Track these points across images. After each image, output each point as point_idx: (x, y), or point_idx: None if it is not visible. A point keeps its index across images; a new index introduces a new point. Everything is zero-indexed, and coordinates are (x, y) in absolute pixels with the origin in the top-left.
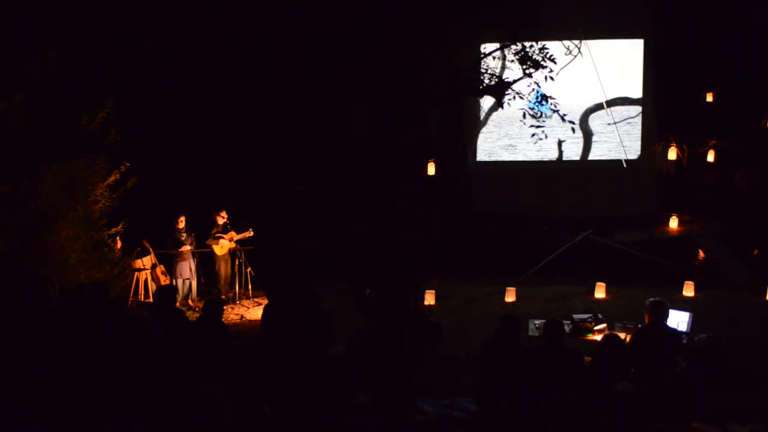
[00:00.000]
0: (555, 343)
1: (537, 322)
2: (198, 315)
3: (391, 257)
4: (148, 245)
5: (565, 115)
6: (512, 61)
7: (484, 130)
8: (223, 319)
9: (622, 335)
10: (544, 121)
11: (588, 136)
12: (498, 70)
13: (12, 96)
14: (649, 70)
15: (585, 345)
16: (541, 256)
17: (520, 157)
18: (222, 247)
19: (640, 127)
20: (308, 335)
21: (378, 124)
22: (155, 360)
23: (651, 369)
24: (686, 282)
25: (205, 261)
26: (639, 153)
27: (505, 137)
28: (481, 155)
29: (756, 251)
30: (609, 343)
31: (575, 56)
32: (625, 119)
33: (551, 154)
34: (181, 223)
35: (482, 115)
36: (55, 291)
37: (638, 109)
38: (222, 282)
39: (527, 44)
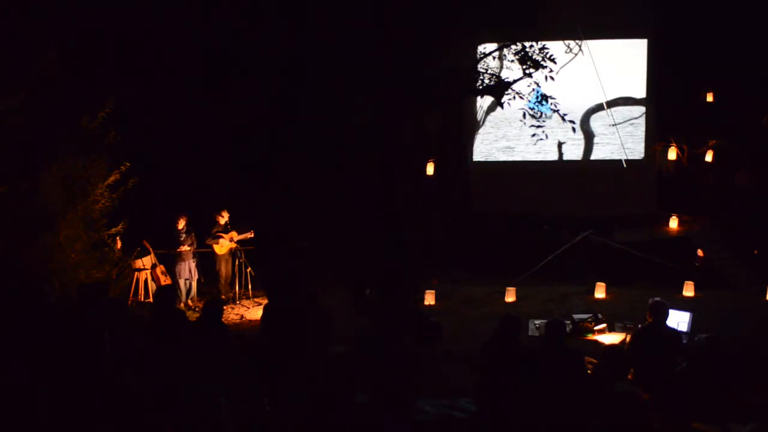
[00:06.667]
0: (556, 343)
1: (537, 322)
2: (198, 315)
3: (392, 257)
4: (148, 245)
5: (565, 114)
6: (512, 61)
7: (481, 131)
8: (223, 319)
9: (622, 335)
10: (544, 122)
11: (589, 137)
12: (498, 70)
13: (12, 96)
14: (652, 70)
15: (585, 345)
16: (541, 256)
17: (519, 159)
18: (222, 246)
19: (643, 128)
20: (308, 335)
21: (378, 124)
22: (155, 360)
23: (651, 369)
24: (686, 282)
25: (206, 261)
26: (643, 154)
27: (502, 138)
28: (480, 156)
29: (756, 251)
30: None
31: (576, 54)
32: (628, 120)
33: (551, 157)
34: (181, 223)
35: (481, 115)
36: (54, 290)
37: (641, 109)
38: (222, 282)
39: (527, 44)
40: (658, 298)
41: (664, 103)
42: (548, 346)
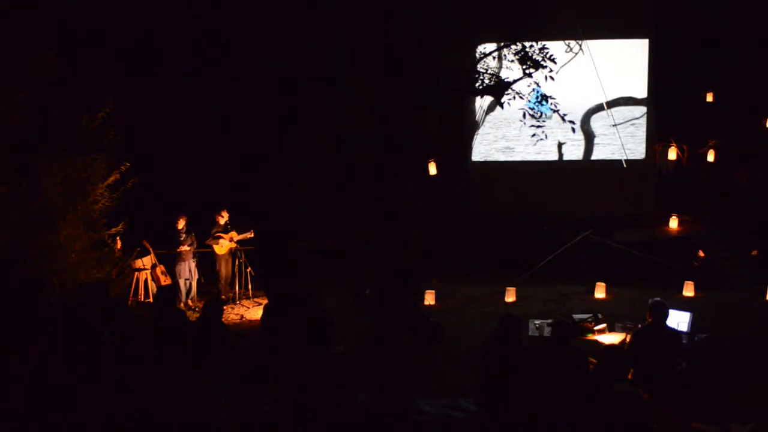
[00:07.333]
0: (560, 344)
1: (537, 322)
2: (198, 315)
3: (392, 257)
4: (148, 245)
5: (565, 115)
6: (512, 61)
7: (481, 131)
8: (223, 319)
9: (622, 335)
10: (544, 122)
11: (589, 137)
12: (498, 70)
13: (12, 96)
14: (653, 70)
15: (585, 345)
16: (541, 256)
17: (519, 159)
18: (222, 246)
19: (644, 128)
20: (308, 335)
21: (378, 124)
22: (155, 360)
23: (651, 369)
24: (686, 282)
25: (206, 261)
26: (643, 155)
27: (502, 139)
28: (480, 156)
29: (756, 251)
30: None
31: (576, 54)
32: (629, 120)
33: (551, 157)
34: (181, 223)
35: (480, 115)
36: (53, 290)
37: (642, 109)
38: (222, 282)
39: (527, 44)
40: (658, 298)
41: (665, 103)
42: (552, 346)
